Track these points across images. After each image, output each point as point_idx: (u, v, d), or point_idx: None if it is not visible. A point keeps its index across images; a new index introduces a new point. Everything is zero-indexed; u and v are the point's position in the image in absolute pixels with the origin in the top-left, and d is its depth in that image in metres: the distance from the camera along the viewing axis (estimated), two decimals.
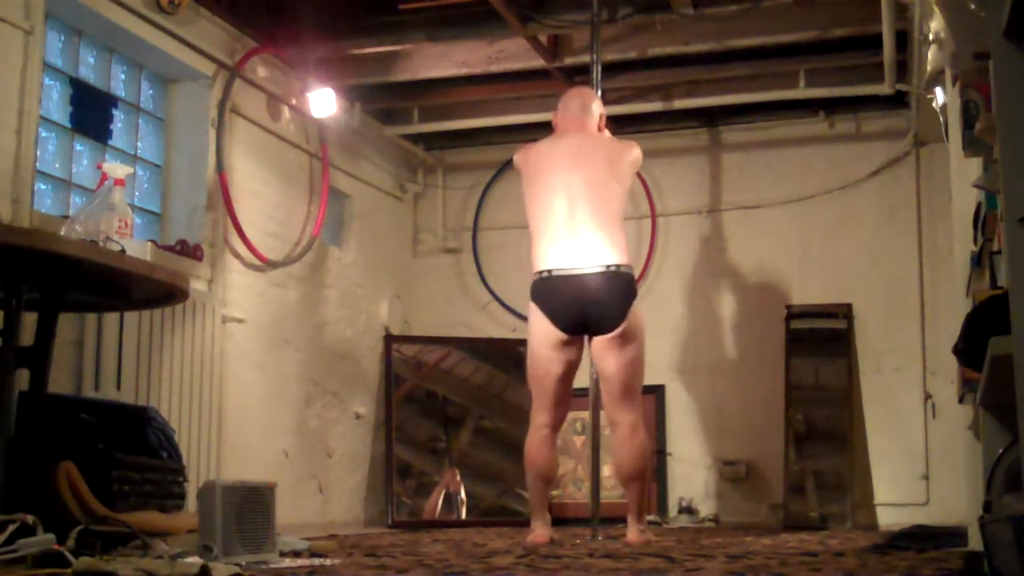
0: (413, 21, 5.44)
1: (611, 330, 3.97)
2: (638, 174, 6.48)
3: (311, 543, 3.31)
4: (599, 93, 4.91)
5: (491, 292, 6.79)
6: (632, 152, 4.20)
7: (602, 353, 4.03)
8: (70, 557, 2.45)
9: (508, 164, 6.77)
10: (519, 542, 4.11)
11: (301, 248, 5.70)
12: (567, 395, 4.14)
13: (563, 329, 3.99)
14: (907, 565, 2.74)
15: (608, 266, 3.94)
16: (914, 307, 6.16)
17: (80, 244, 2.88)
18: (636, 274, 4.02)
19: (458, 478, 6.21)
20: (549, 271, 3.97)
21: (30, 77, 3.98)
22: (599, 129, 4.29)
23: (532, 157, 4.20)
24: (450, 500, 6.19)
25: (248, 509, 2.82)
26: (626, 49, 5.60)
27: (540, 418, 4.13)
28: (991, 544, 2.10)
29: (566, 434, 6.43)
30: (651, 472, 4.27)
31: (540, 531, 4.14)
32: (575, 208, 4.01)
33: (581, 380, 4.36)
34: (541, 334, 4.04)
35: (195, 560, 2.55)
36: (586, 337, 4.10)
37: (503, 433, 6.37)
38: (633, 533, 4.13)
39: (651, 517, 6.07)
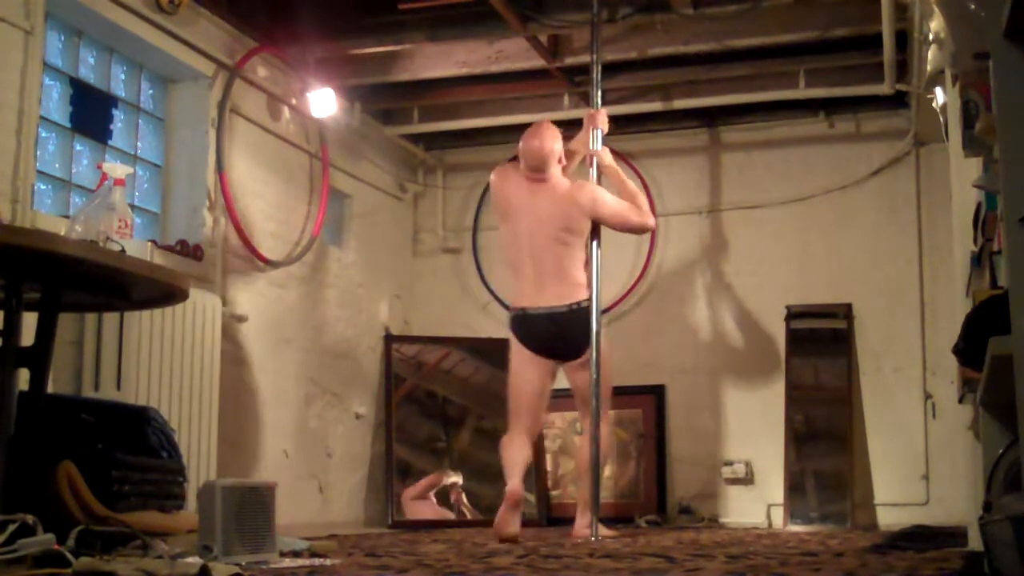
0: (413, 21, 5.44)
1: (576, 357, 4.61)
2: (637, 174, 6.54)
3: (311, 543, 3.30)
4: (599, 93, 4.93)
5: (491, 292, 6.79)
6: (582, 199, 4.65)
7: (571, 374, 4.71)
8: (70, 557, 2.45)
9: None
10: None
11: (301, 248, 5.70)
12: (541, 409, 4.73)
13: (536, 352, 4.63)
14: (907, 565, 2.74)
15: (571, 304, 4.58)
16: (914, 307, 6.16)
17: (80, 244, 2.87)
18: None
19: (459, 484, 6.20)
20: (523, 309, 4.64)
21: (30, 77, 3.99)
22: (560, 162, 4.73)
23: (507, 195, 4.75)
24: (450, 504, 6.20)
25: (248, 509, 2.82)
26: (626, 49, 5.60)
27: (514, 426, 4.67)
28: (991, 544, 2.10)
29: (566, 434, 6.44)
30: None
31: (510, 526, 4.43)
32: (541, 262, 4.63)
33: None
34: (519, 356, 4.68)
35: (195, 560, 2.55)
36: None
37: (503, 433, 6.34)
38: (581, 526, 4.60)
39: (651, 517, 6.09)
